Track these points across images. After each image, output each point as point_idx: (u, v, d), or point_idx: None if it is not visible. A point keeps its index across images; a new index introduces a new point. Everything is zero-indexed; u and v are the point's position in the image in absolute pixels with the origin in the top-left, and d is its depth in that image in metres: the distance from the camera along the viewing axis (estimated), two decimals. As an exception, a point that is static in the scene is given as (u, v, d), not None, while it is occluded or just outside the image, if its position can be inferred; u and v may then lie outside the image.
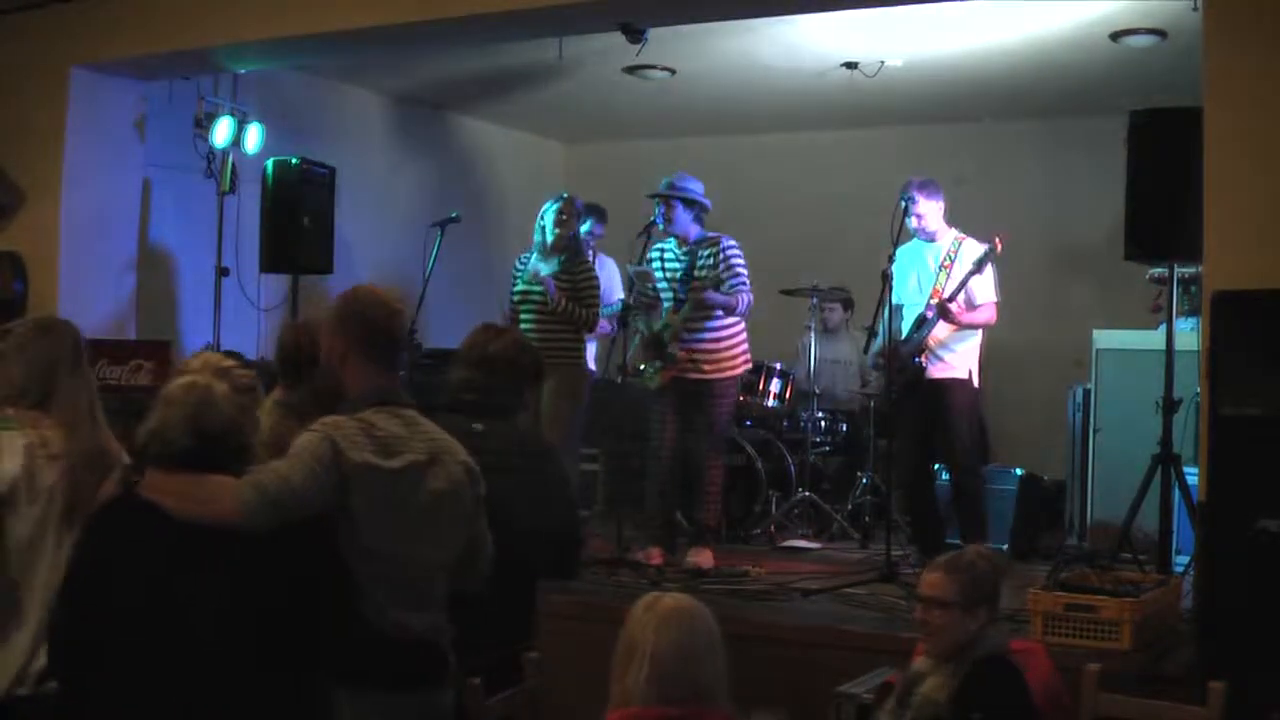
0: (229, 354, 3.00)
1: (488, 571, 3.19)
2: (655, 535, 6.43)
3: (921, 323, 6.12)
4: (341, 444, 2.77)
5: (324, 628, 2.74)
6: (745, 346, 6.39)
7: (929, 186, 6.19)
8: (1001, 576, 3.47)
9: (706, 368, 6.26)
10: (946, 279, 6.06)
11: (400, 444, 2.88)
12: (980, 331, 6.21)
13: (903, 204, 6.10)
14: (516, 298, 6.54)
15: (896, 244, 6.01)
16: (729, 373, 6.31)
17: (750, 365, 6.56)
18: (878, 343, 6.27)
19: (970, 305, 6.11)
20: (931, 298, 6.09)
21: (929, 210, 6.17)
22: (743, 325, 6.37)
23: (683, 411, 6.35)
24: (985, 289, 6.12)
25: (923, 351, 6.10)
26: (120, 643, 2.60)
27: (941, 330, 6.09)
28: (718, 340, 6.28)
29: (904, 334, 6.16)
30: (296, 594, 2.67)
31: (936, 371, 6.12)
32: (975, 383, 6.16)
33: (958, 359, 6.12)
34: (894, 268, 6.21)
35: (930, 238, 6.21)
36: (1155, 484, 5.43)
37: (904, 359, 6.12)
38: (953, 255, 6.09)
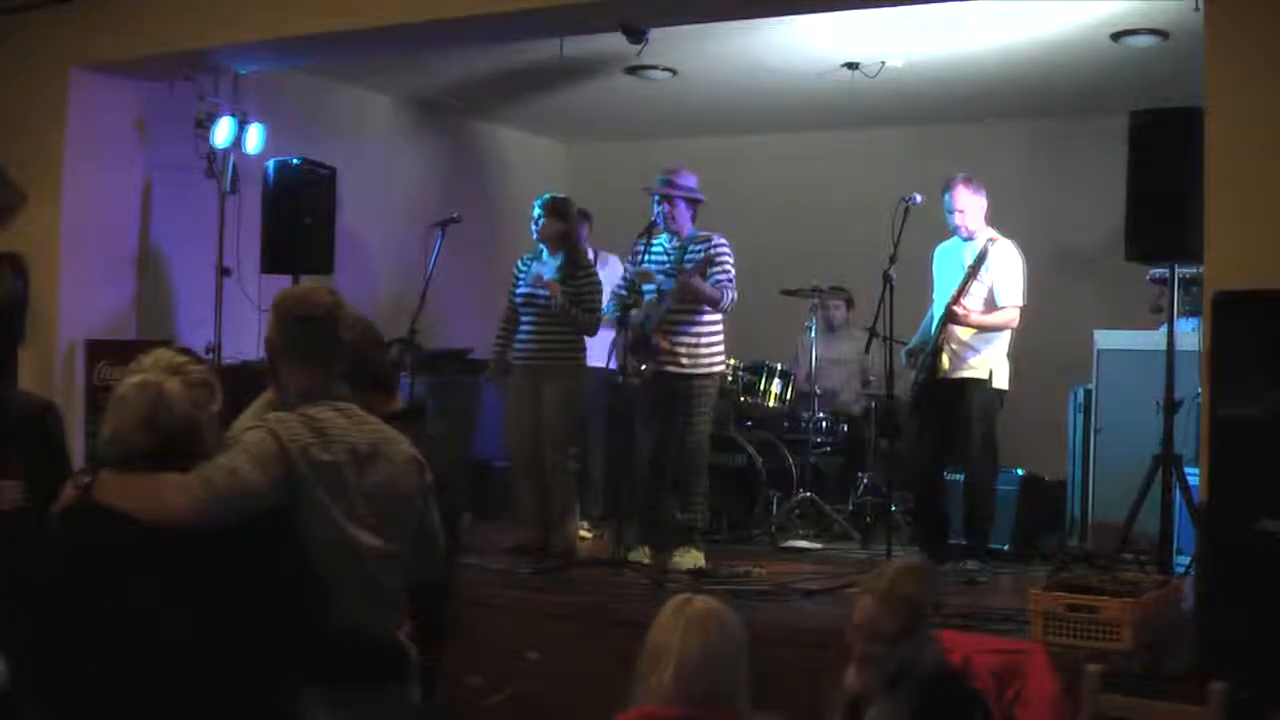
0: (182, 350, 2.99)
1: (445, 562, 3.21)
2: (644, 534, 6.44)
3: (942, 323, 6.11)
4: (284, 436, 2.77)
5: (291, 626, 2.72)
6: (722, 346, 6.44)
7: (973, 182, 6.17)
8: (931, 590, 3.33)
9: (685, 362, 6.28)
10: (973, 280, 6.04)
11: (341, 435, 2.89)
12: (1008, 334, 6.17)
13: (903, 204, 6.09)
14: (519, 300, 6.57)
15: (898, 245, 6.00)
16: (707, 369, 6.34)
17: (724, 367, 6.62)
18: (914, 341, 6.29)
19: (993, 307, 6.09)
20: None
21: (969, 205, 6.12)
22: (721, 325, 6.40)
23: (664, 409, 6.36)
24: (1009, 292, 6.08)
25: (940, 351, 6.08)
26: (87, 648, 2.58)
27: (965, 331, 6.07)
28: (699, 335, 6.31)
29: (930, 333, 6.17)
30: (265, 593, 2.66)
31: (956, 371, 6.10)
32: (997, 384, 6.13)
33: (980, 360, 6.09)
34: (934, 265, 6.25)
35: (969, 235, 6.17)
36: (1156, 484, 5.42)
37: (923, 358, 6.13)
38: (982, 256, 6.05)
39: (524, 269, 6.61)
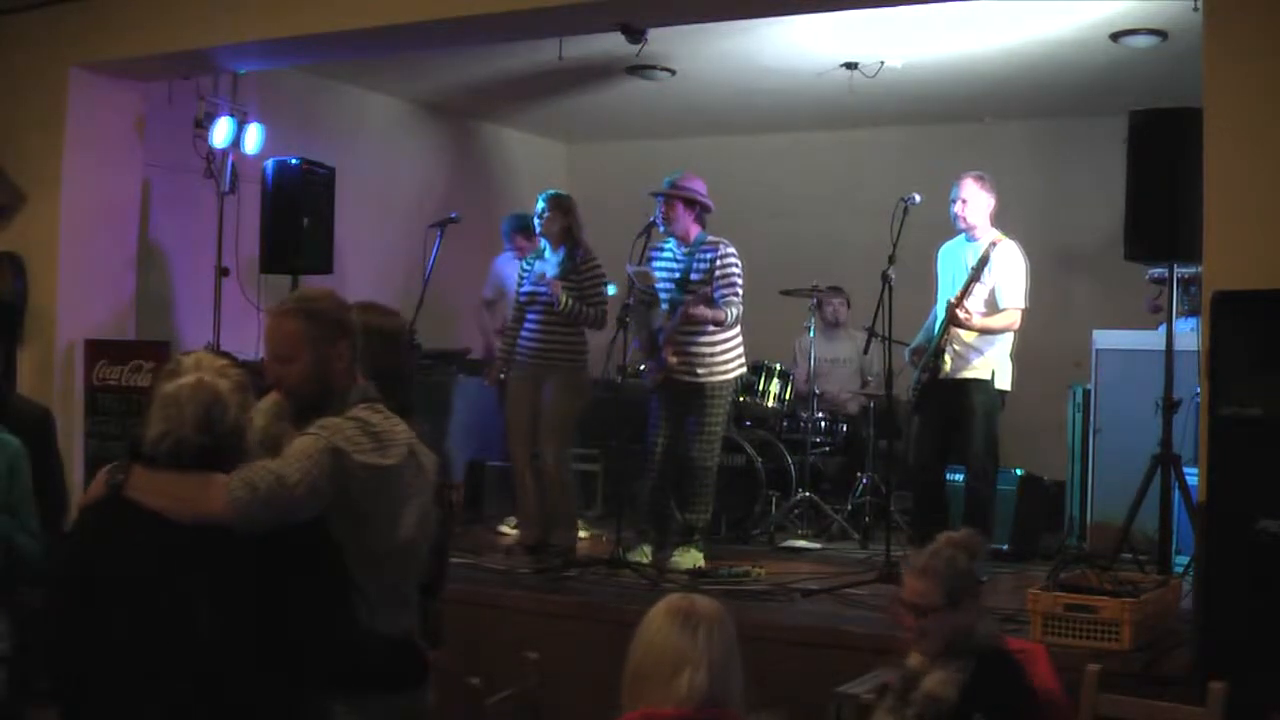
0: (218, 352, 2.98)
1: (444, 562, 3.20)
2: (647, 535, 6.44)
3: (945, 325, 6.10)
4: (345, 447, 2.74)
5: (320, 630, 2.71)
6: (740, 351, 6.41)
7: (984, 180, 6.16)
8: (978, 560, 3.46)
9: (699, 371, 6.27)
10: (975, 282, 6.04)
11: (390, 439, 2.86)
12: (1010, 335, 6.16)
13: (903, 204, 6.08)
14: (523, 298, 6.58)
15: (897, 244, 6.00)
16: (721, 377, 6.32)
17: (744, 370, 6.58)
18: (918, 339, 6.30)
19: (995, 308, 6.09)
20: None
21: (973, 198, 6.10)
22: (738, 330, 6.38)
23: (675, 413, 6.36)
24: (1011, 294, 6.06)
25: (942, 352, 6.07)
26: (112, 645, 2.58)
27: (969, 332, 6.05)
28: (712, 344, 6.29)
29: (933, 333, 6.17)
30: (292, 595, 2.65)
31: (959, 371, 6.10)
32: (999, 385, 6.12)
33: (983, 360, 6.08)
34: (938, 265, 6.26)
35: (967, 228, 6.16)
36: (1155, 484, 5.43)
37: (925, 359, 6.13)
38: (985, 258, 6.05)
39: (527, 268, 6.64)
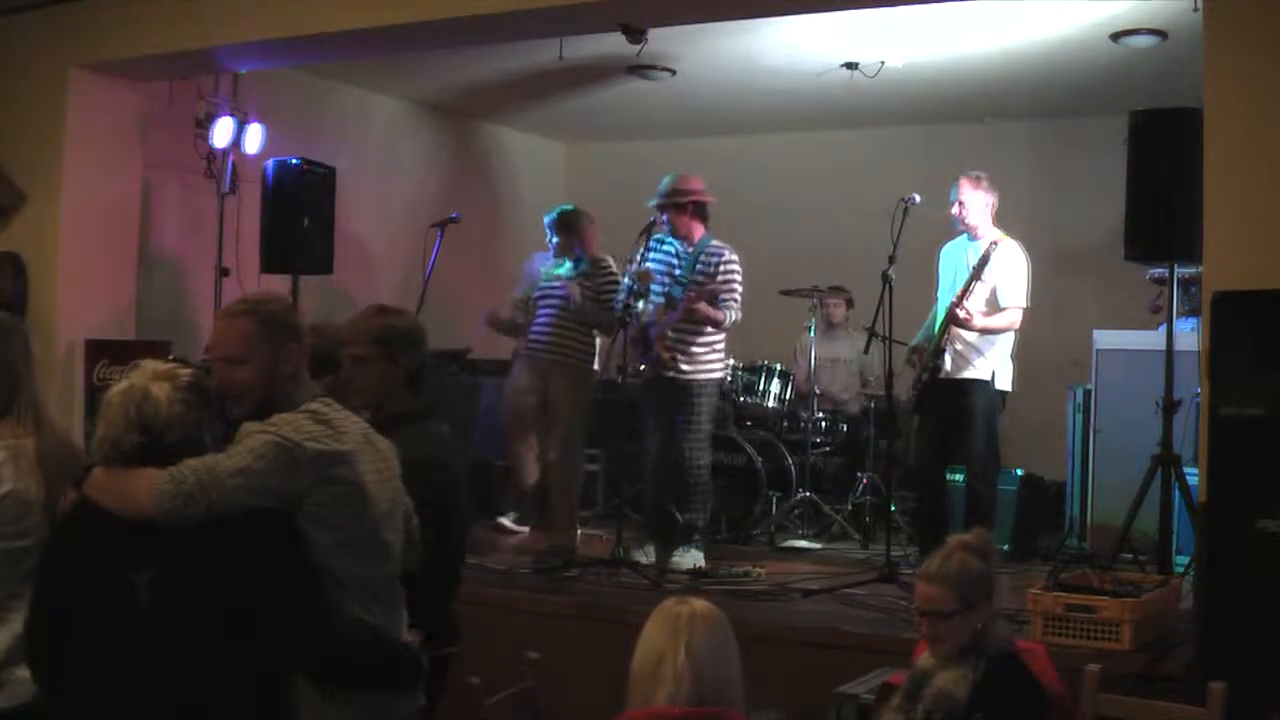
0: (176, 360, 3.00)
1: (419, 553, 3.16)
2: (649, 535, 6.45)
3: (945, 325, 6.10)
4: (295, 437, 2.72)
5: (298, 624, 2.70)
6: (722, 351, 6.48)
7: (980, 180, 6.17)
8: (991, 562, 3.45)
9: (685, 368, 6.30)
10: (975, 282, 6.04)
11: (342, 426, 2.83)
12: (1011, 335, 6.16)
13: (903, 204, 6.08)
14: (538, 294, 6.65)
15: (897, 244, 6.00)
16: (705, 375, 6.36)
17: (726, 372, 6.66)
18: (917, 338, 6.30)
19: (996, 308, 6.09)
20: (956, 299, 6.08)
21: (971, 199, 6.12)
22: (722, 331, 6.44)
23: (666, 411, 6.38)
24: (1013, 293, 6.07)
25: (942, 352, 6.07)
26: (90, 644, 2.63)
27: (969, 332, 6.07)
28: (700, 343, 6.32)
29: (932, 332, 6.18)
30: (264, 589, 2.65)
31: (959, 371, 6.10)
32: (999, 385, 6.12)
33: (983, 360, 6.08)
34: (939, 264, 6.27)
35: (968, 229, 6.18)
36: (1155, 484, 5.43)
37: (925, 359, 6.13)
38: (985, 257, 6.06)
39: (545, 269, 6.78)
